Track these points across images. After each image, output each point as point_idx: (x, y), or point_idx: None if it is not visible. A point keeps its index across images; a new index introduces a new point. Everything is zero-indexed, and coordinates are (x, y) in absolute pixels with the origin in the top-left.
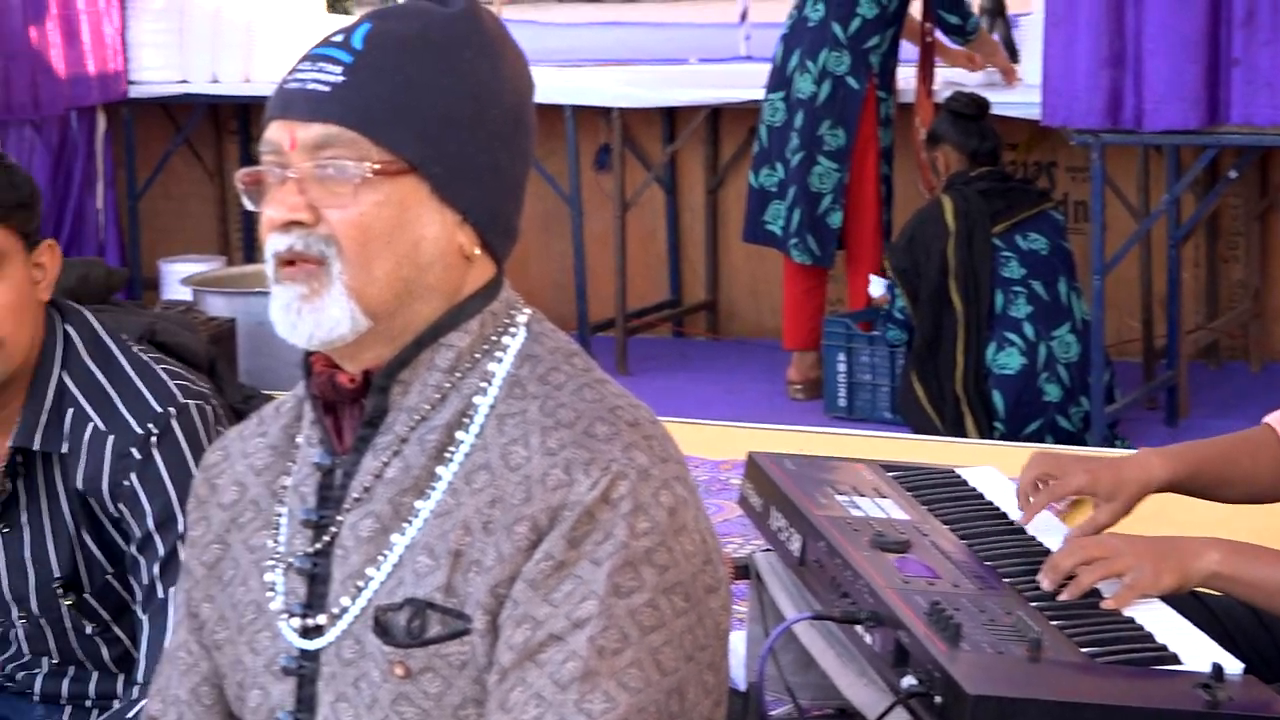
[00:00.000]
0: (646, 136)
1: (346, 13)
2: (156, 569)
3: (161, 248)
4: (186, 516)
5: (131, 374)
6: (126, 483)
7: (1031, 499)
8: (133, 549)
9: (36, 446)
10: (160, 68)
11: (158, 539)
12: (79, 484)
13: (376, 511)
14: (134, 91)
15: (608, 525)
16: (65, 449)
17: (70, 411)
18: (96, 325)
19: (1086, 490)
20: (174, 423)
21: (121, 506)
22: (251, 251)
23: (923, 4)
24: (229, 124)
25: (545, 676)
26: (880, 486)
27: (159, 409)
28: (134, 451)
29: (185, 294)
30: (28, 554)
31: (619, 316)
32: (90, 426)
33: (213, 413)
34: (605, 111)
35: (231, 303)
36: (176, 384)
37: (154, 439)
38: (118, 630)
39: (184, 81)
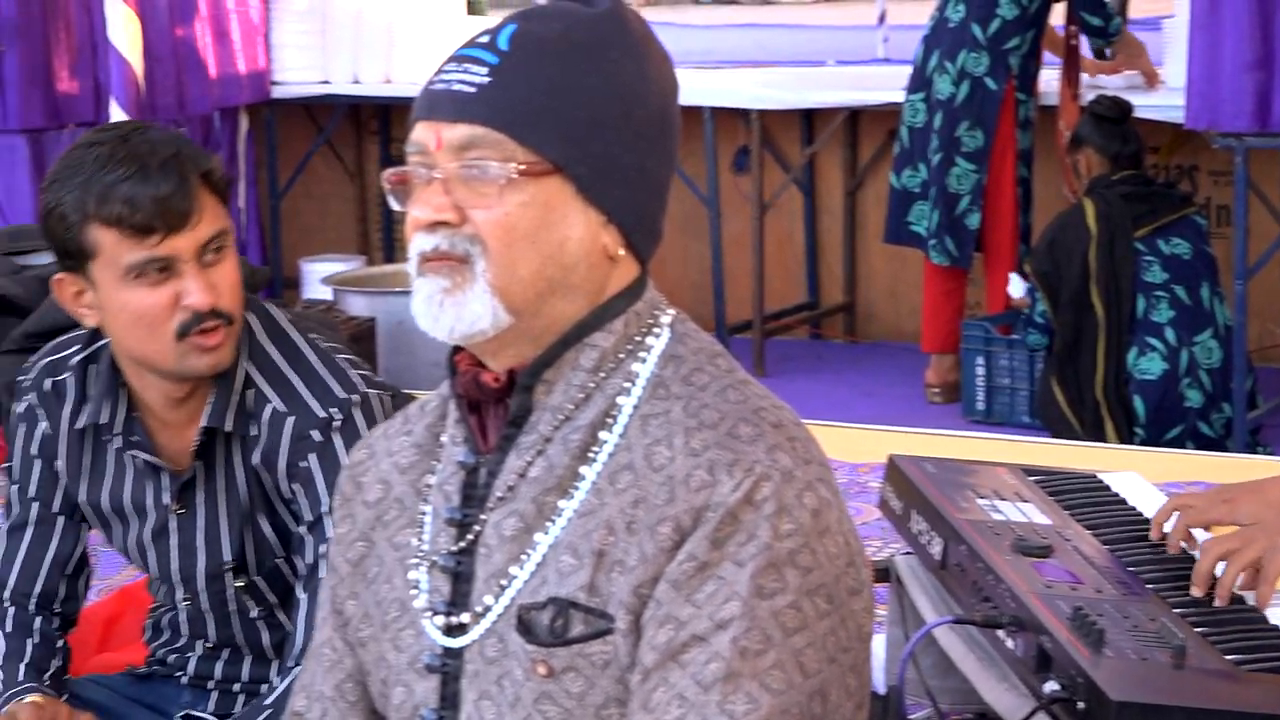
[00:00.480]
0: (785, 138)
1: (485, 14)
2: (322, 550)
3: (302, 247)
4: (333, 514)
5: (315, 361)
6: (304, 464)
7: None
8: (301, 529)
9: (228, 428)
10: (302, 68)
11: (327, 522)
12: (257, 464)
13: (520, 510)
14: (276, 92)
15: (751, 526)
16: (254, 431)
17: (251, 394)
18: (278, 315)
19: (1226, 520)
20: (356, 410)
21: (296, 487)
22: (391, 251)
23: (1066, 7)
24: (370, 124)
25: (688, 677)
26: (1021, 490)
27: (343, 395)
28: (314, 434)
29: (326, 293)
30: (200, 538)
31: (756, 318)
32: (269, 408)
33: (391, 405)
34: (744, 113)
35: (371, 302)
36: (358, 374)
37: (336, 424)
38: (281, 616)
39: (325, 82)
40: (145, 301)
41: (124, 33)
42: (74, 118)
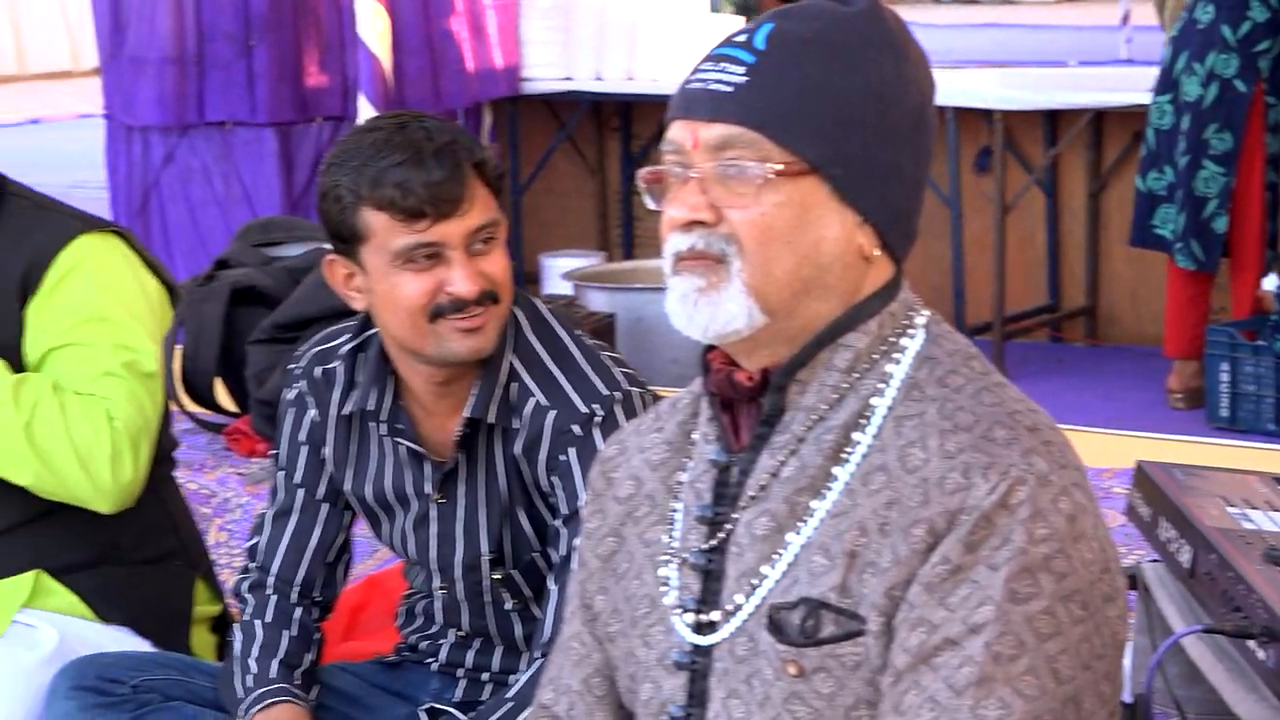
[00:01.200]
0: (1027, 139)
1: (736, 11)
2: (576, 543)
3: (543, 242)
4: (584, 509)
5: (579, 357)
6: (563, 458)
7: None
8: (557, 522)
9: (491, 419)
10: (546, 65)
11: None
12: (516, 452)
13: (772, 510)
14: (521, 88)
15: (1006, 531)
16: (517, 424)
17: (514, 386)
18: (544, 310)
19: None
20: (617, 407)
21: (555, 480)
22: (631, 248)
23: None
24: (611, 121)
25: (940, 681)
26: (1272, 499)
27: (605, 391)
28: (575, 429)
29: (566, 289)
30: (459, 527)
31: (996, 320)
32: (533, 401)
33: (653, 403)
34: (986, 114)
35: (611, 298)
36: (621, 371)
37: (597, 419)
38: (535, 610)
39: (568, 79)
40: (410, 286)
41: (373, 28)
42: (322, 112)
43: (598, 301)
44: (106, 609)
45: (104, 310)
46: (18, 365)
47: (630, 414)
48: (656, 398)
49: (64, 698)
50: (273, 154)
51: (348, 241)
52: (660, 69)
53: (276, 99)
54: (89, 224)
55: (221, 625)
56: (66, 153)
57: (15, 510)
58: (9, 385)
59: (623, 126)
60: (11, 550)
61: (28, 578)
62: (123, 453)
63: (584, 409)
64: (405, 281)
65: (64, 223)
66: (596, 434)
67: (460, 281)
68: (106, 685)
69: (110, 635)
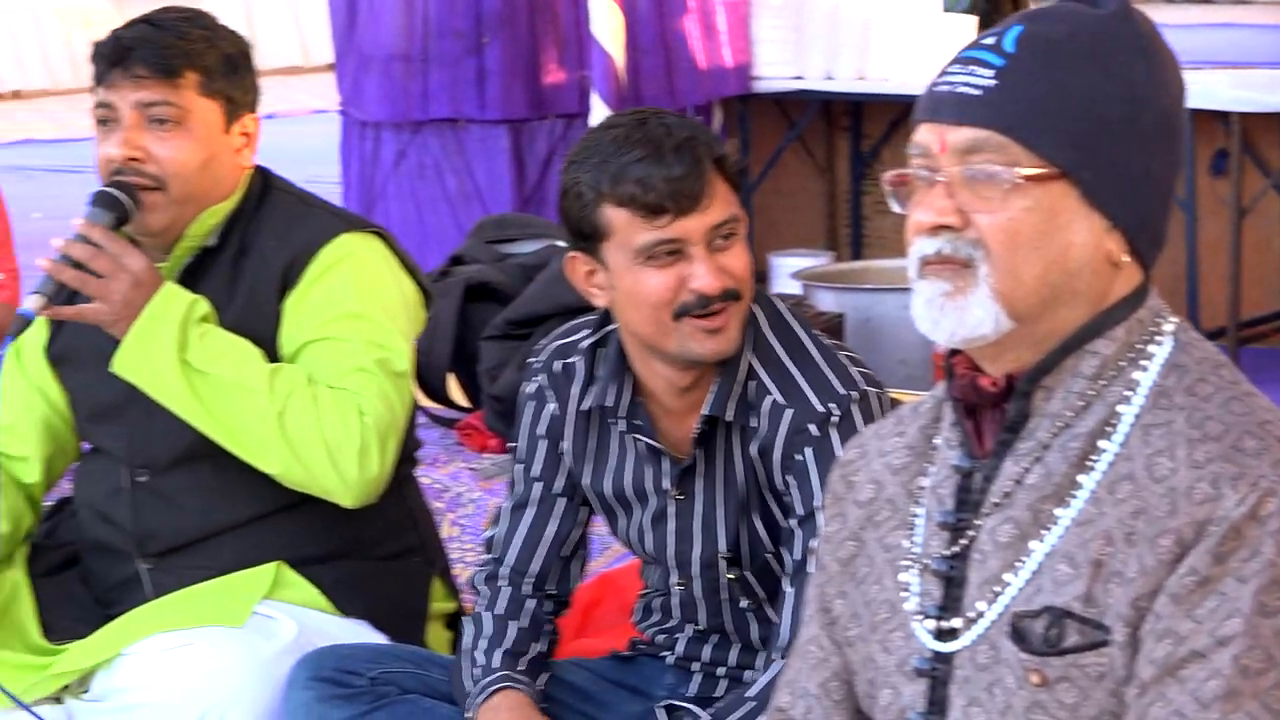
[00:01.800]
0: (1265, 141)
1: (965, 11)
2: (812, 544)
3: (771, 241)
4: (824, 511)
5: (817, 356)
6: (799, 457)
7: None
8: (792, 522)
9: (729, 417)
10: (777, 64)
11: (819, 517)
12: (753, 450)
13: (1015, 517)
14: (751, 87)
15: (1255, 543)
16: (755, 422)
17: (752, 385)
18: (782, 308)
19: None
20: (854, 407)
21: (790, 480)
22: (859, 248)
23: None
24: (841, 120)
25: (1186, 693)
26: None
27: (842, 391)
28: (811, 428)
29: (795, 288)
30: (698, 524)
31: (1230, 325)
32: (769, 400)
33: (889, 404)
34: (1223, 115)
35: (840, 298)
36: (858, 371)
37: (834, 419)
38: (769, 611)
39: (799, 78)
40: (652, 283)
41: (607, 26)
42: (556, 109)
43: (826, 301)
44: (345, 602)
45: (360, 307)
46: (273, 357)
47: (867, 414)
48: (892, 400)
49: (302, 688)
50: (505, 151)
51: (589, 238)
52: (892, 69)
53: (509, 96)
54: (351, 223)
55: (456, 622)
56: (301, 148)
57: (261, 502)
58: (265, 374)
59: (853, 126)
60: (255, 541)
61: (269, 569)
62: (370, 447)
63: (821, 408)
64: (648, 278)
65: (327, 220)
66: (833, 434)
67: (703, 277)
68: (344, 676)
69: (348, 628)
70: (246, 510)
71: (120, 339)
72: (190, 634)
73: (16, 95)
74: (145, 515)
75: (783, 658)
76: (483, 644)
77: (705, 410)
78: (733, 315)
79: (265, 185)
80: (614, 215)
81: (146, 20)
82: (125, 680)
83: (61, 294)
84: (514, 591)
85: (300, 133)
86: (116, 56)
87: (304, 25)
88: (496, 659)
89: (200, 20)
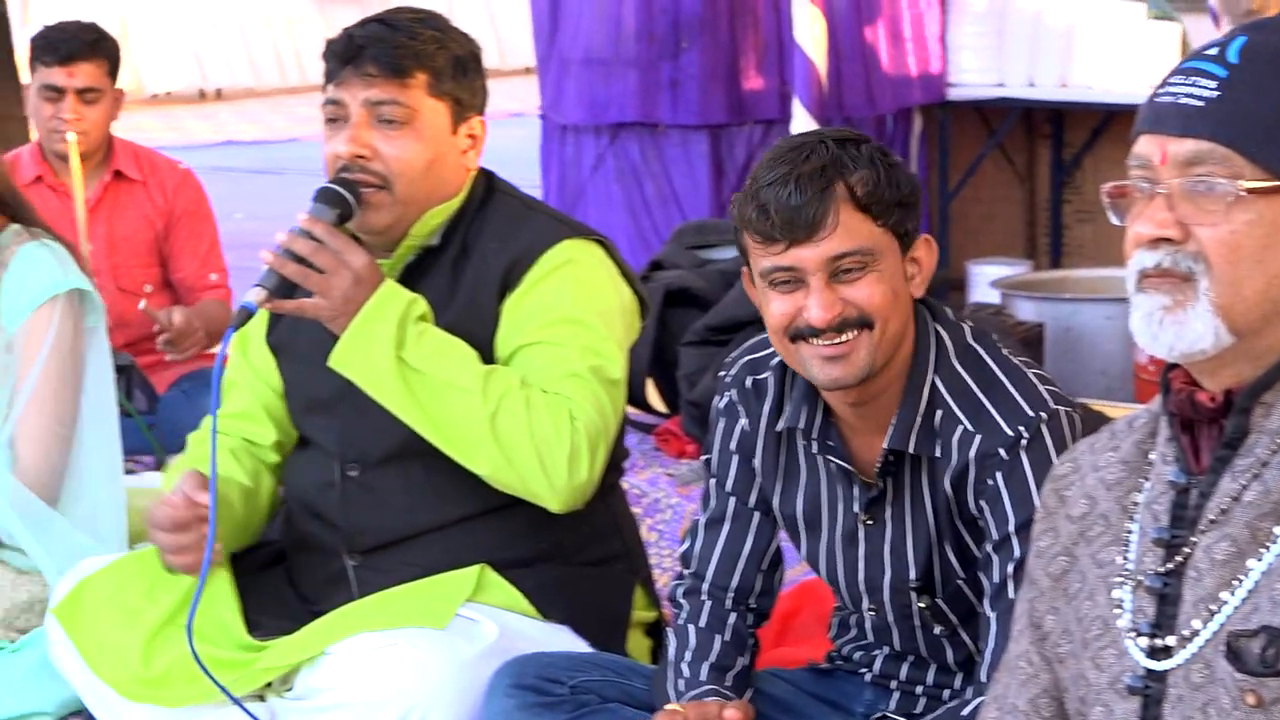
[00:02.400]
0: None
1: (1169, 19)
2: (1010, 569)
3: (970, 249)
4: (1034, 526)
5: (1001, 376)
6: (991, 482)
7: None
8: (988, 547)
9: (912, 449)
10: (977, 70)
11: (1015, 541)
12: (946, 483)
13: (1233, 535)
14: (951, 94)
15: None
16: (939, 453)
17: (939, 414)
18: (968, 333)
19: None
20: (1043, 428)
21: (983, 505)
22: (1059, 257)
23: None
24: (1042, 128)
25: None
26: None
27: (1030, 413)
28: (1001, 453)
29: (993, 296)
30: (886, 550)
31: None
32: (959, 429)
33: (1079, 422)
34: None
35: (1039, 307)
36: (1046, 389)
37: (1023, 442)
38: (964, 635)
39: (1000, 85)
40: (775, 306)
41: (809, 32)
42: (755, 115)
43: (1025, 310)
44: (547, 607)
45: (578, 313)
46: (489, 358)
47: (1057, 433)
48: (1086, 412)
49: (503, 695)
50: (704, 156)
51: (744, 256)
52: (1095, 76)
53: (709, 101)
54: (574, 229)
55: (656, 630)
56: (500, 150)
57: (469, 503)
58: (479, 375)
59: (1054, 134)
60: (461, 543)
61: (473, 571)
62: (580, 453)
63: (1009, 432)
64: (771, 301)
65: (550, 225)
66: (1023, 456)
67: (813, 309)
68: (545, 684)
69: (549, 633)
70: (454, 511)
71: (339, 334)
72: (394, 634)
73: (219, 95)
74: (354, 510)
75: (979, 690)
76: (687, 656)
77: (886, 444)
78: (859, 344)
79: (489, 188)
80: (746, 237)
81: (380, 19)
82: (328, 679)
83: (283, 287)
84: (715, 606)
85: (498, 135)
86: (348, 54)
87: (501, 29)
88: (703, 672)
89: (433, 21)
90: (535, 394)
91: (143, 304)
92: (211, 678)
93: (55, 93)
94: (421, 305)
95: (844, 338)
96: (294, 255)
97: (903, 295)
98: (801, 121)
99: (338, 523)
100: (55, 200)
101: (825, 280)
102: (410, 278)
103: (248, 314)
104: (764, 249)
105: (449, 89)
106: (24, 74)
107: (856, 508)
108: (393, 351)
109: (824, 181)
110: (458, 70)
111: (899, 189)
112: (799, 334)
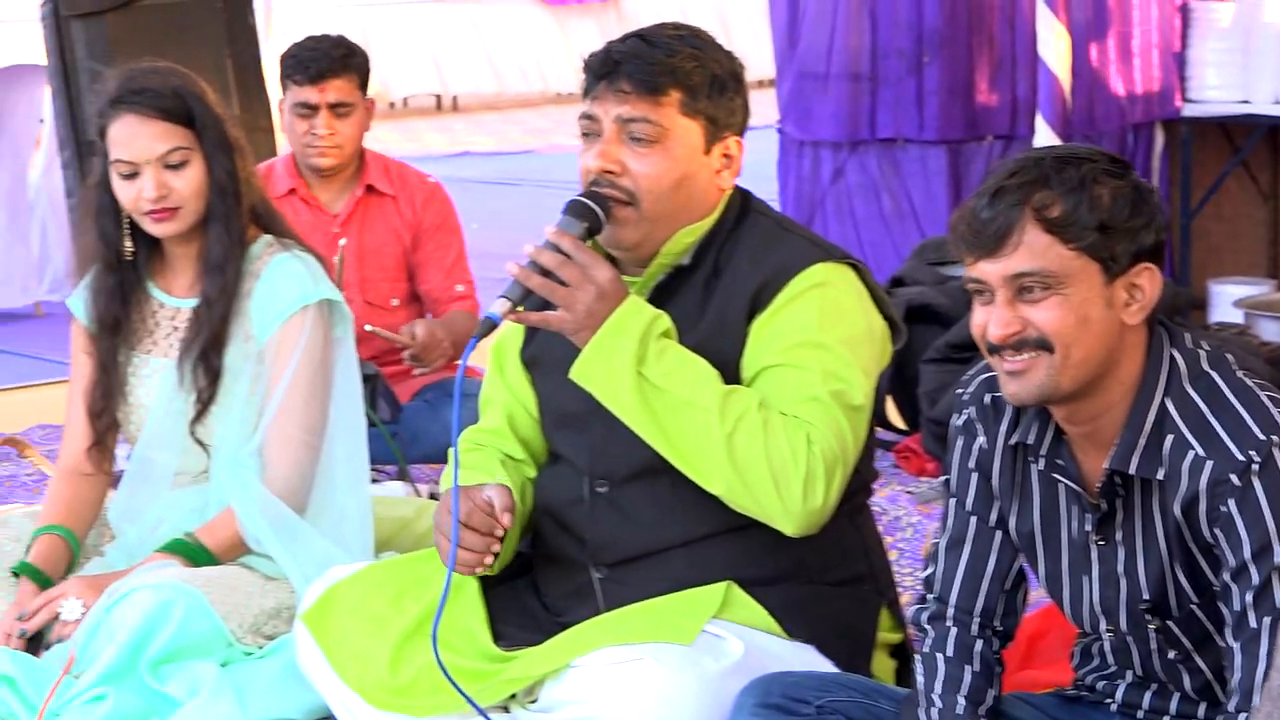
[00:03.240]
0: None
1: None
2: (1249, 598)
3: (1211, 268)
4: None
5: (1233, 399)
6: (1224, 509)
7: None
8: (1225, 576)
9: (1132, 470)
10: (1221, 87)
11: (1253, 568)
12: (1176, 510)
13: None
14: (1191, 110)
15: None
16: (1161, 475)
17: (1170, 438)
18: (1204, 359)
19: None
20: (1275, 451)
21: (1217, 533)
22: None
23: None
24: None
25: None
26: None
27: (1261, 436)
28: (1233, 478)
29: (1235, 316)
30: (1120, 570)
31: None
32: (1190, 454)
33: None
34: None
35: None
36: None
37: (1254, 467)
38: (1199, 660)
39: (1245, 102)
40: (973, 318)
41: (1053, 48)
42: (991, 130)
43: (1269, 331)
44: (793, 625)
45: (823, 337)
46: (734, 377)
47: None
48: None
49: (749, 714)
50: (941, 171)
51: None
52: None
53: (947, 116)
54: (828, 252)
55: (901, 652)
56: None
57: (714, 520)
58: (718, 395)
59: None
60: (706, 559)
61: (719, 588)
62: (816, 478)
63: (1240, 457)
64: (973, 311)
65: (803, 247)
66: (1256, 482)
67: (991, 324)
68: (791, 704)
69: (794, 652)
70: (700, 527)
71: (581, 348)
72: (640, 649)
73: (456, 106)
74: (602, 525)
75: (1241, 712)
76: (938, 686)
77: (1107, 464)
78: (1037, 365)
79: (744, 207)
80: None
81: (640, 35)
82: (573, 692)
83: (528, 299)
84: (961, 632)
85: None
86: (604, 70)
87: (735, 41)
88: (959, 706)
89: (693, 39)
90: (774, 417)
91: (368, 327)
92: (458, 688)
93: (308, 109)
94: (664, 322)
95: (1023, 356)
96: (540, 268)
97: (1099, 321)
98: (1044, 137)
99: (585, 536)
100: (308, 212)
101: (1009, 297)
102: (661, 295)
103: (491, 325)
104: (967, 259)
105: (703, 108)
106: (269, 86)
107: (1088, 527)
108: (633, 366)
109: (1016, 199)
110: (714, 89)
111: (1104, 213)
112: (990, 347)
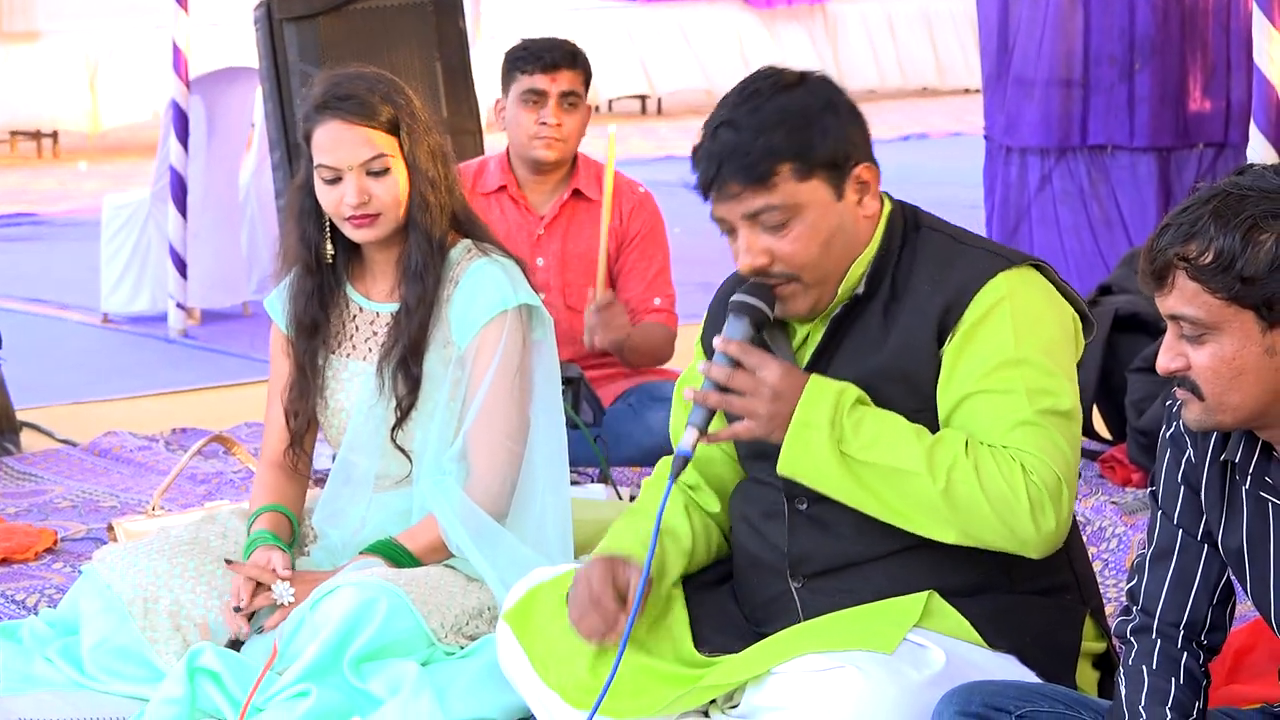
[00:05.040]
0: None
1: None
2: None
3: None
4: None
5: None
6: None
7: None
8: None
9: None
10: None
11: None
12: None
13: None
14: None
15: None
16: None
17: None
18: None
19: None
20: None
21: None
22: None
23: None
24: None
25: None
26: None
27: None
28: None
29: None
30: None
31: None
32: None
33: None
34: None
35: None
36: None
37: None
38: None
39: None
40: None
41: (1269, 54)
42: (1203, 137)
43: None
44: (994, 635)
45: (1021, 354)
46: (929, 399)
47: None
48: None
49: None
50: (1151, 179)
51: None
52: None
53: (1157, 123)
54: (1007, 258)
55: (1104, 663)
56: (938, 169)
57: (914, 534)
58: (923, 453)
59: None
60: (906, 569)
61: (920, 597)
62: (1042, 504)
63: None
64: None
65: (982, 259)
66: None
67: (1160, 354)
68: (991, 713)
69: (996, 662)
70: (899, 540)
71: (779, 445)
72: (840, 656)
73: (660, 110)
74: (800, 539)
75: None
76: (1143, 699)
77: None
78: (1191, 404)
79: (912, 224)
80: None
81: (726, 121)
82: (774, 698)
83: (712, 419)
84: (1166, 645)
85: (937, 154)
86: (707, 180)
87: (940, 49)
88: (1165, 719)
89: (772, 95)
90: (984, 455)
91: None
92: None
93: (538, 96)
94: (852, 393)
95: (1183, 390)
96: (717, 384)
97: (1256, 371)
98: (1258, 144)
99: (784, 548)
100: (515, 211)
101: (1177, 332)
102: (840, 326)
103: (685, 461)
104: None
105: (816, 162)
106: (478, 89)
107: None
108: (833, 450)
109: (1173, 238)
110: (817, 136)
111: (1257, 264)
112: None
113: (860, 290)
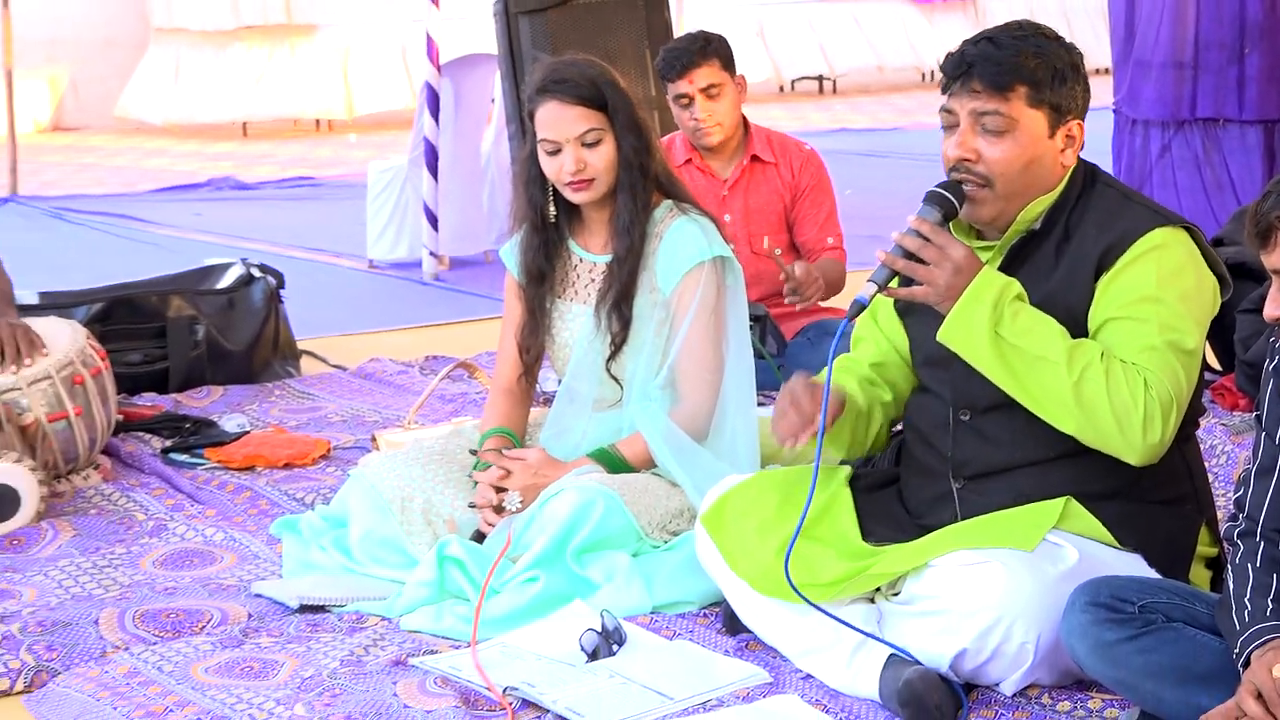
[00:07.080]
0: None
1: None
2: None
3: None
4: None
5: None
6: None
7: None
8: None
9: None
10: None
11: None
12: None
13: None
14: None
15: None
16: None
17: None
18: None
19: None
20: None
21: None
22: None
23: None
24: None
25: None
26: None
27: None
28: None
29: None
30: None
31: None
32: None
33: None
34: None
35: None
36: None
37: None
38: None
39: None
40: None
41: None
42: None
43: None
44: (1123, 536)
45: (1160, 293)
46: (1081, 327)
47: None
48: None
49: (1080, 611)
50: (1258, 147)
51: None
52: None
53: (1264, 99)
54: (1167, 218)
55: (1215, 564)
56: None
57: (1059, 445)
58: (1065, 349)
59: None
60: (1051, 477)
61: (1059, 502)
62: (1154, 417)
63: None
64: None
65: (1146, 214)
66: None
67: (1268, 304)
68: (1117, 604)
69: (1123, 560)
70: (1046, 450)
71: (945, 315)
72: (988, 553)
73: (835, 90)
74: (963, 446)
75: None
76: (1248, 592)
77: None
78: None
79: (1090, 179)
80: None
81: (989, 37)
82: (930, 588)
83: (892, 280)
84: (1269, 547)
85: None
86: (958, 71)
87: (1076, 31)
88: (1268, 609)
89: (1035, 38)
90: (1115, 365)
91: (777, 251)
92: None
93: (684, 99)
94: (1015, 288)
95: None
96: (905, 251)
97: None
98: None
99: (948, 454)
100: (702, 179)
101: (1279, 286)
102: (1016, 257)
103: (861, 307)
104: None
105: (1047, 98)
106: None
107: None
108: (989, 329)
109: (1279, 202)
110: (1056, 80)
111: None
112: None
113: (1036, 227)
